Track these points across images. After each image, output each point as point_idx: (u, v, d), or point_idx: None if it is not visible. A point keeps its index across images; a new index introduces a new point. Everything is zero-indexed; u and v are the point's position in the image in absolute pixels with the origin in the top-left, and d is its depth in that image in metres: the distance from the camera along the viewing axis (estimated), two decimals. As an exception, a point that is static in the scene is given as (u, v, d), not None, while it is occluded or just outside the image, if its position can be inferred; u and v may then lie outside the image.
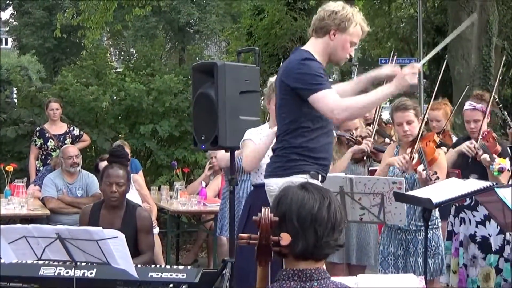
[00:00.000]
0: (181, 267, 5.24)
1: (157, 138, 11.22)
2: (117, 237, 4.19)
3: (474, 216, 5.81)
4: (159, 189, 9.18)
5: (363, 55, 28.00)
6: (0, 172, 8.98)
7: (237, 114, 5.51)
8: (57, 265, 4.98)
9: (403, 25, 23.89)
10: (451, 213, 6.02)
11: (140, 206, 6.27)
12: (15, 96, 14.71)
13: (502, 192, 4.53)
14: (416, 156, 5.34)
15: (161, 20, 26.24)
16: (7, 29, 29.93)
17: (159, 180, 10.55)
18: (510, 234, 5.62)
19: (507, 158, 5.77)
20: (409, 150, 5.40)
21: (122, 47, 30.04)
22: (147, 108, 10.95)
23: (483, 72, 14.55)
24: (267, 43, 17.70)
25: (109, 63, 13.09)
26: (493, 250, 5.71)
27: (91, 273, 4.98)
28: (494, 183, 4.72)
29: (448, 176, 5.26)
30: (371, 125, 6.37)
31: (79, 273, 4.90)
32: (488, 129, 6.00)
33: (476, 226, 5.79)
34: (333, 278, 2.73)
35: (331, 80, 22.50)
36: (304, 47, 4.43)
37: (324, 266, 2.73)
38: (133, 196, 7.49)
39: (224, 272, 5.18)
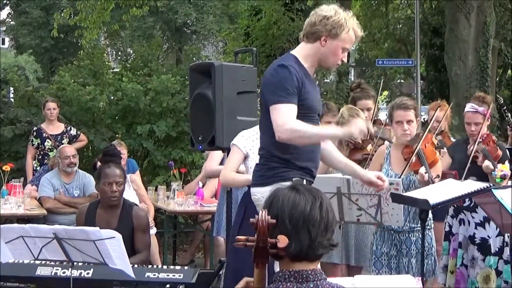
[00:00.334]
0: (178, 267, 5.22)
1: (154, 138, 11.21)
2: (114, 237, 4.19)
3: (473, 217, 5.82)
4: (156, 190, 9.17)
5: (360, 56, 28.02)
6: (-3, 172, 8.97)
7: (234, 114, 5.51)
8: (54, 265, 4.97)
9: (400, 26, 23.94)
10: (448, 213, 6.02)
11: (136, 205, 6.27)
12: (12, 95, 14.66)
13: (499, 194, 4.53)
14: (414, 158, 5.34)
15: (158, 20, 26.23)
16: (4, 28, 29.88)
17: (156, 181, 10.54)
18: (508, 236, 5.64)
19: (506, 162, 5.78)
20: (405, 150, 5.39)
21: (119, 47, 30.01)
22: (144, 108, 10.94)
23: (480, 74, 14.58)
24: (265, 44, 17.72)
25: (106, 63, 13.06)
26: (492, 252, 5.71)
27: (88, 273, 4.96)
28: (492, 184, 4.72)
29: (445, 177, 5.26)
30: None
31: (76, 273, 4.88)
32: (488, 132, 6.00)
33: (476, 228, 5.80)
34: (330, 279, 2.74)
35: (327, 81, 22.48)
36: (293, 51, 4.35)
37: (319, 266, 2.73)
38: (130, 196, 7.49)
39: (221, 272, 5.18)
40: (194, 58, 12.97)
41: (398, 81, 28.00)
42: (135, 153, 11.11)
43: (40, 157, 9.56)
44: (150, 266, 5.29)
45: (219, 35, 25.40)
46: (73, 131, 9.81)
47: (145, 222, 5.87)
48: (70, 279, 4.56)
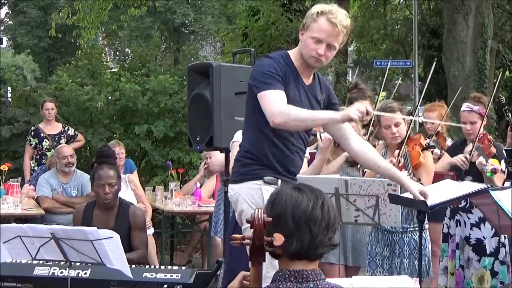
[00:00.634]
0: (175, 267, 5.23)
1: (152, 139, 11.20)
2: (112, 237, 4.19)
3: (469, 218, 5.82)
4: (153, 190, 9.17)
5: (358, 56, 28.06)
6: (-6, 171, 8.97)
7: (232, 115, 5.51)
8: (51, 265, 4.97)
9: (398, 27, 23.96)
10: (446, 215, 6.03)
11: (133, 204, 6.28)
12: (9, 95, 14.67)
13: (497, 195, 4.52)
14: (402, 160, 5.35)
15: (157, 20, 26.27)
16: (2, 28, 29.87)
17: (153, 181, 10.53)
18: (505, 237, 5.64)
19: (502, 161, 5.79)
20: (396, 152, 5.41)
21: (117, 47, 30.06)
22: (142, 108, 10.93)
23: (478, 75, 14.60)
24: (263, 44, 17.71)
25: (104, 63, 13.07)
26: (487, 253, 5.71)
27: (85, 273, 4.97)
28: (489, 185, 4.72)
29: (443, 178, 5.26)
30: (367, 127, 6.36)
31: (73, 273, 4.89)
32: (484, 132, 6.02)
33: (471, 228, 5.80)
34: (328, 280, 2.74)
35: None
36: (289, 50, 4.30)
37: (317, 266, 2.74)
38: (128, 196, 7.50)
39: (218, 272, 5.18)
40: (192, 59, 12.94)
41: (396, 82, 28.04)
42: (133, 153, 11.11)
43: (37, 157, 9.56)
44: (147, 266, 5.30)
45: (217, 35, 25.41)
46: (71, 131, 9.82)
47: (142, 220, 5.88)
48: (67, 279, 4.57)
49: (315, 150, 6.05)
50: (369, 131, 6.25)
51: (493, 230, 5.59)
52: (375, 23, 23.33)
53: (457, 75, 14.42)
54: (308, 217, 2.65)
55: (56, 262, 4.80)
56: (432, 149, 5.93)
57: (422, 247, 5.23)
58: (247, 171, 4.14)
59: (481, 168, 5.68)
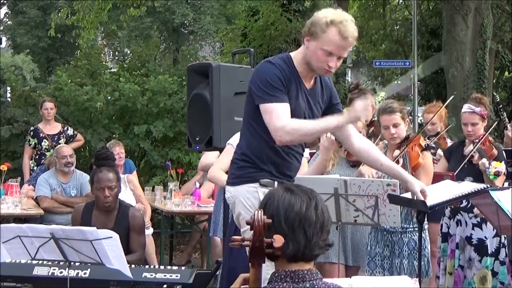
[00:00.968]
0: (175, 267, 5.23)
1: (151, 139, 11.20)
2: (111, 237, 4.19)
3: (470, 218, 5.82)
4: (153, 190, 9.18)
5: (357, 57, 28.04)
6: (-6, 171, 8.97)
7: (231, 115, 5.51)
8: (51, 265, 4.97)
9: (397, 27, 23.98)
10: (445, 215, 6.03)
11: (132, 206, 6.26)
12: (9, 95, 14.66)
13: (497, 195, 4.52)
14: (401, 160, 5.35)
15: (156, 20, 26.24)
16: (1, 28, 29.86)
17: (153, 181, 10.53)
18: (505, 237, 5.64)
19: (502, 162, 5.79)
20: (396, 152, 5.41)
21: (117, 47, 30.03)
22: (141, 108, 10.93)
23: (477, 75, 14.59)
24: (262, 44, 17.72)
25: (104, 63, 13.06)
26: (489, 253, 5.72)
27: (85, 273, 4.97)
28: (489, 186, 4.72)
29: (443, 178, 5.26)
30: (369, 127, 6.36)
31: (73, 273, 4.89)
32: (485, 133, 6.02)
33: (473, 229, 5.80)
34: (326, 279, 2.73)
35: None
36: (291, 53, 4.21)
37: (312, 265, 2.73)
38: (127, 196, 7.50)
39: (217, 273, 5.17)
40: (191, 59, 12.95)
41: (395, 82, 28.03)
42: (132, 154, 11.11)
43: (37, 157, 9.56)
44: (147, 266, 5.30)
45: (216, 35, 25.39)
46: (70, 131, 9.81)
47: (140, 222, 5.87)
48: (67, 279, 4.57)
49: (315, 150, 6.04)
50: (370, 131, 6.25)
51: (495, 230, 5.59)
52: (374, 24, 23.35)
53: (456, 75, 14.42)
54: (303, 219, 2.64)
55: (56, 262, 4.80)
56: (431, 150, 5.94)
57: (422, 247, 5.23)
58: (243, 174, 4.10)
59: (484, 169, 5.69)
